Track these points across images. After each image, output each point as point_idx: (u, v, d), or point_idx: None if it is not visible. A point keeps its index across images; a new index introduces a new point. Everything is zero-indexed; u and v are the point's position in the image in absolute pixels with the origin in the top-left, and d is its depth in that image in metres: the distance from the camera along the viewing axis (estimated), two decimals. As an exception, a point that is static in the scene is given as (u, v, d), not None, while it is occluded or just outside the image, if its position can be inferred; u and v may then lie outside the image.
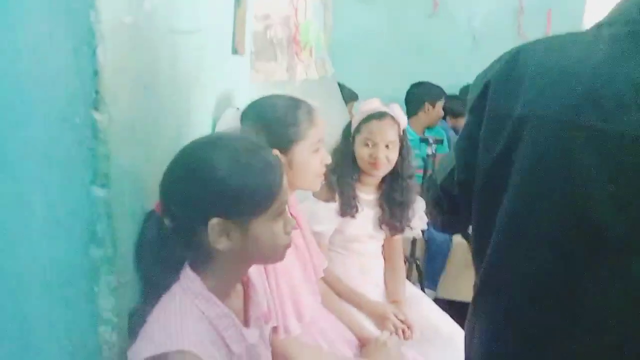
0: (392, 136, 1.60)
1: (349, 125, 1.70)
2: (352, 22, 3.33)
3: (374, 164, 1.60)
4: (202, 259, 0.86)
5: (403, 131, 1.66)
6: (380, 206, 1.69)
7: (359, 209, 1.64)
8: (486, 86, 0.71)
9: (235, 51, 1.36)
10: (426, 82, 3.17)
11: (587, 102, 0.59)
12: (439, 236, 2.45)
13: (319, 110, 1.25)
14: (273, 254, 0.92)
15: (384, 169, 1.62)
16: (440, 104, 3.09)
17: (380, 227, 1.69)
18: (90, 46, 0.74)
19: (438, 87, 3.15)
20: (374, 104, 1.67)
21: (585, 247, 0.60)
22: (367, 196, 1.68)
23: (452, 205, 0.82)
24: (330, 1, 2.76)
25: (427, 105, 3.03)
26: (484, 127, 0.70)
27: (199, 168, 0.83)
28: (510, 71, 0.68)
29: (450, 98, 3.26)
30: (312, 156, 1.21)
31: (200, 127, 1.17)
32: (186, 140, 0.89)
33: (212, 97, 1.25)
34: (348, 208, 1.61)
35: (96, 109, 0.76)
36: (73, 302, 0.83)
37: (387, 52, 3.56)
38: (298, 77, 1.87)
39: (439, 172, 0.84)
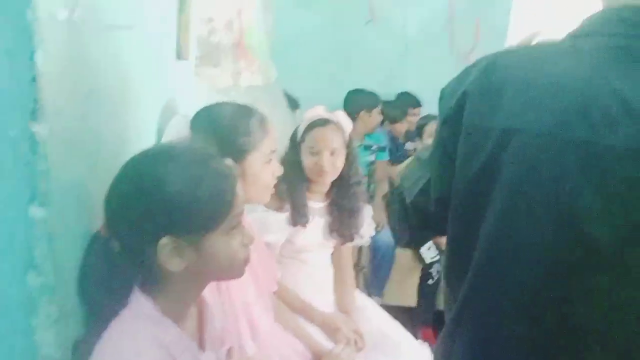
0: (337, 143, 1.59)
1: (295, 133, 1.67)
2: (291, 26, 3.30)
3: (319, 171, 1.58)
4: (153, 280, 0.79)
5: (349, 137, 1.66)
6: (330, 214, 1.68)
7: (309, 218, 1.61)
8: (463, 97, 0.68)
9: (179, 56, 1.29)
10: (362, 89, 3.19)
11: (576, 116, 0.59)
12: (384, 243, 2.47)
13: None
14: (231, 271, 0.87)
15: (330, 176, 1.60)
16: (377, 111, 3.13)
17: (331, 236, 1.67)
18: (27, 49, 0.66)
19: (374, 94, 3.18)
20: (317, 112, 1.65)
21: (576, 261, 0.60)
22: (317, 204, 1.66)
23: (423, 221, 0.80)
24: (270, 4, 2.72)
25: (363, 112, 3.05)
26: (463, 139, 0.68)
27: (146, 183, 0.76)
28: (487, 82, 0.66)
29: (387, 104, 3.31)
30: (264, 167, 1.16)
31: (146, 137, 1.09)
32: (131, 152, 0.82)
33: (157, 104, 1.17)
34: (299, 217, 1.58)
35: (35, 120, 0.67)
36: (7, 336, 0.73)
37: (326, 57, 3.57)
38: (243, 83, 1.82)
39: (407, 187, 0.80)
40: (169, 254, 0.75)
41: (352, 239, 1.70)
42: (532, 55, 0.68)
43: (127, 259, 0.79)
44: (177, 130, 1.12)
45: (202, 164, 0.80)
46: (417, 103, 3.41)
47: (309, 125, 1.62)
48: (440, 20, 3.54)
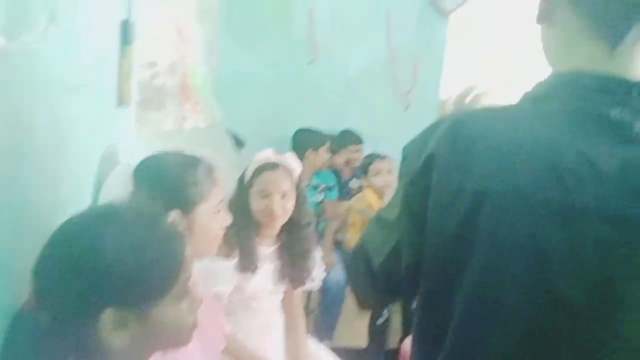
0: (287, 186, 1.57)
1: (243, 176, 1.63)
2: (235, 66, 3.29)
3: (270, 215, 1.55)
4: (91, 357, 0.72)
5: (298, 179, 1.64)
6: (280, 258, 1.64)
7: (258, 265, 1.56)
8: (430, 158, 0.67)
9: (120, 103, 1.23)
10: (307, 128, 3.20)
11: (548, 177, 0.60)
12: (334, 283, 2.44)
13: (214, 162, 1.17)
14: (179, 340, 0.81)
15: (281, 220, 1.58)
16: (323, 149, 3.14)
17: (282, 281, 1.62)
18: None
19: (320, 132, 3.19)
20: (266, 155, 1.63)
21: (552, 320, 0.60)
22: (266, 249, 1.62)
23: (392, 285, 0.77)
24: (215, 45, 2.70)
25: (310, 151, 3.06)
26: (433, 201, 0.66)
27: (82, 251, 0.69)
28: (454, 143, 0.66)
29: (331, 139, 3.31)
30: (213, 218, 1.12)
31: (82, 196, 1.01)
32: (64, 216, 0.75)
33: (96, 156, 1.11)
34: (248, 263, 1.53)
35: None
36: None
37: (271, 97, 3.57)
38: (187, 126, 1.77)
39: (373, 250, 0.76)
40: (111, 328, 0.69)
41: (303, 283, 1.66)
42: (498, 117, 0.68)
43: (59, 336, 0.71)
44: (118, 183, 1.06)
45: (147, 226, 0.74)
46: (358, 140, 3.46)
47: (257, 168, 1.59)
48: (381, 59, 3.66)
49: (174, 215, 0.99)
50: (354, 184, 3.18)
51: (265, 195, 1.55)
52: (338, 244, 2.77)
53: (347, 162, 3.41)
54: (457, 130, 0.67)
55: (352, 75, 3.64)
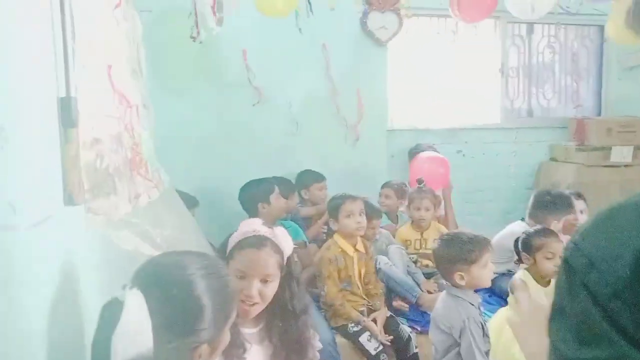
0: (271, 268, 1.36)
1: (224, 245, 1.41)
2: (173, 118, 3.04)
3: (244, 302, 1.32)
4: None
5: (288, 260, 1.43)
6: (270, 341, 1.41)
7: (246, 347, 1.33)
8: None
9: (70, 200, 0.98)
10: (253, 180, 2.95)
11: None
12: (324, 345, 2.21)
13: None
14: None
15: (256, 308, 1.35)
16: (274, 196, 2.89)
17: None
18: None
19: (267, 180, 2.96)
20: (253, 226, 1.42)
21: None
22: (251, 329, 1.40)
23: None
24: (148, 101, 2.45)
25: (261, 204, 2.82)
26: None
27: None
28: None
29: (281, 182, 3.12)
30: None
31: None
32: None
33: (46, 285, 0.85)
34: (234, 349, 1.29)
35: None
36: None
37: (214, 144, 3.35)
38: (142, 204, 1.52)
39: None
40: None
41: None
42: None
43: None
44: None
45: None
46: (320, 177, 3.31)
47: (241, 242, 1.37)
48: (323, 94, 3.55)
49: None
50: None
51: (242, 277, 1.33)
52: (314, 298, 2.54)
53: (313, 203, 3.24)
54: None
55: (297, 112, 3.49)
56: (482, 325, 1.91)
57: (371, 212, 2.71)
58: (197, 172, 3.19)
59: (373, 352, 2.33)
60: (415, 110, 3.94)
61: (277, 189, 2.92)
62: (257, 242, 1.36)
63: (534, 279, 2.19)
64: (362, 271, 2.51)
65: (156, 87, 2.87)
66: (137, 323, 0.78)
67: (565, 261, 0.53)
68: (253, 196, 2.86)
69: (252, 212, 2.79)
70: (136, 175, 1.50)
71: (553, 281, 2.15)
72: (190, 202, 2.72)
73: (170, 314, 0.85)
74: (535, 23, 4.05)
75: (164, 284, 0.88)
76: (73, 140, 0.99)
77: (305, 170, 3.35)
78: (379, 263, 2.67)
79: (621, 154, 3.87)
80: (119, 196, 1.31)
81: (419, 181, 3.14)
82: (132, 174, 1.47)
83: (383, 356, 2.34)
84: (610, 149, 3.87)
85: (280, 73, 3.41)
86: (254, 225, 1.40)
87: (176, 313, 0.86)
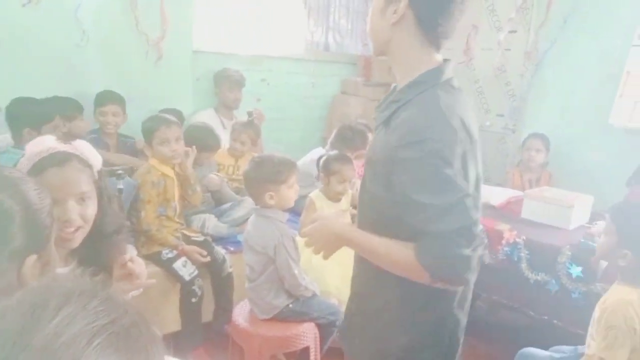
0: (85, 185, 1.19)
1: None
2: None
3: (64, 226, 1.14)
4: None
5: (99, 174, 1.26)
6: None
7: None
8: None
9: None
10: (28, 98, 2.43)
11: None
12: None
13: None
14: None
15: (81, 233, 1.19)
16: (52, 125, 2.36)
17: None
18: None
19: (42, 102, 2.49)
20: (46, 144, 1.20)
21: None
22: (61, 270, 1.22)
23: None
24: None
25: (28, 130, 2.28)
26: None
27: None
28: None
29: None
30: None
31: None
32: None
33: None
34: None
35: None
36: None
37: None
38: None
39: None
40: None
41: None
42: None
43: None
44: None
45: None
46: (120, 99, 2.99)
47: (37, 164, 1.16)
48: (121, 5, 3.13)
49: None
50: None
51: (56, 201, 1.13)
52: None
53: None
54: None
55: (86, 21, 3.00)
56: (292, 238, 2.07)
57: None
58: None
59: (187, 278, 2.31)
60: (222, 34, 3.79)
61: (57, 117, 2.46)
62: (59, 159, 1.16)
63: (327, 197, 2.45)
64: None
65: None
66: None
67: None
68: (29, 116, 2.34)
69: (16, 136, 2.34)
70: None
71: (343, 198, 2.47)
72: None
73: None
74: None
75: None
76: None
77: (105, 90, 2.98)
78: (207, 228, 2.66)
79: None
80: None
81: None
82: None
83: (198, 280, 2.34)
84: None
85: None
86: (47, 143, 1.19)
87: None
